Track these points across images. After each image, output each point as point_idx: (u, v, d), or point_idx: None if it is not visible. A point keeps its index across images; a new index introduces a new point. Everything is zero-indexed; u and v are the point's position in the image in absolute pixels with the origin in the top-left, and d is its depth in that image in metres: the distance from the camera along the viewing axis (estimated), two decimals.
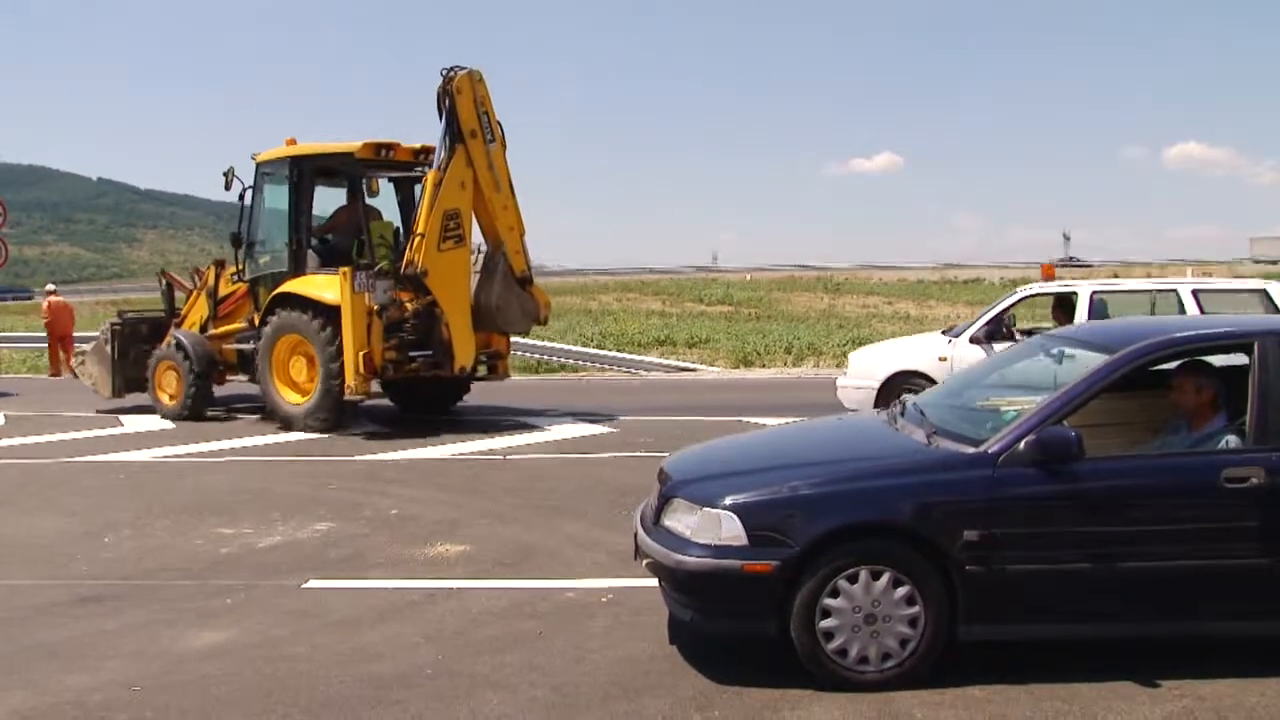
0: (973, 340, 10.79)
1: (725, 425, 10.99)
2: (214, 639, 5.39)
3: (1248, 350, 4.79)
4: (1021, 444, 4.56)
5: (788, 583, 4.51)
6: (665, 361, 21.49)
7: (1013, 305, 11.18)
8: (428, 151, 12.87)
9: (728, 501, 4.67)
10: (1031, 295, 11.64)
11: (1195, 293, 10.59)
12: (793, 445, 5.77)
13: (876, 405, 10.51)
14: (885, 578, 4.49)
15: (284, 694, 4.63)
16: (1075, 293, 10.77)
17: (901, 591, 4.50)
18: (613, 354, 21.86)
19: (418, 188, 13.16)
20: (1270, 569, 4.53)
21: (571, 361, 20.98)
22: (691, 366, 21.17)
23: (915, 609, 4.50)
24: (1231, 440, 4.76)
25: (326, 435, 12.24)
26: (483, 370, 13.47)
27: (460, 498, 8.73)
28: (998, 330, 10.77)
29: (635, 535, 5.13)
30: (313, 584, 6.35)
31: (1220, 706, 4.34)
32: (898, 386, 10.47)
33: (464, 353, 12.57)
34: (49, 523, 8.14)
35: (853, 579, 4.50)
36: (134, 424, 13.75)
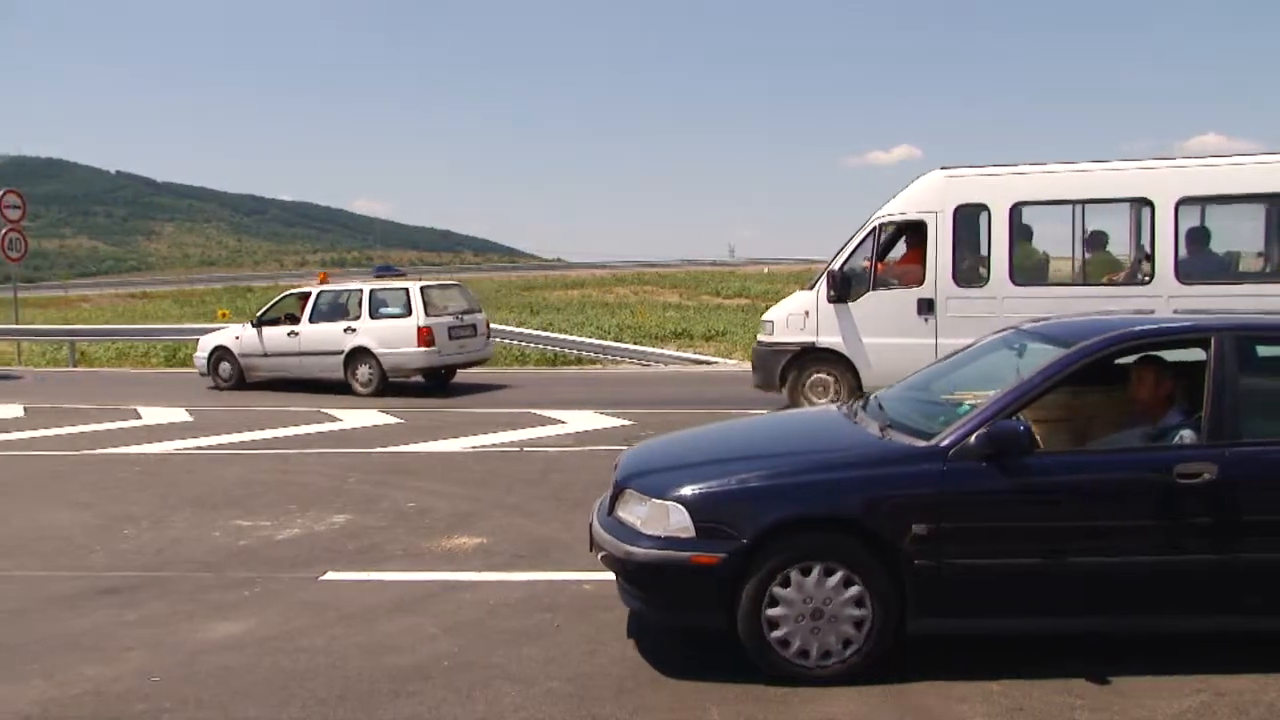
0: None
1: (741, 418, 10.94)
2: (232, 630, 5.41)
3: (1205, 345, 4.75)
4: (972, 438, 4.53)
5: (735, 575, 4.50)
6: (682, 354, 21.45)
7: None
8: None
9: (676, 493, 4.67)
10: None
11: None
12: (749, 438, 5.74)
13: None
14: (831, 572, 4.48)
15: (301, 685, 4.64)
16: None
17: (848, 585, 4.49)
18: (630, 346, 21.83)
19: None
20: (1222, 565, 4.50)
21: (588, 354, 20.98)
22: (709, 359, 21.12)
23: (862, 603, 4.49)
24: (1187, 436, 4.71)
25: (344, 429, 12.27)
26: None
27: (477, 490, 8.74)
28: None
29: (590, 527, 5.13)
30: (330, 576, 6.37)
31: (1240, 702, 4.30)
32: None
33: None
34: (68, 515, 8.19)
35: (800, 572, 4.49)
36: (151, 416, 13.82)
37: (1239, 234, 11.18)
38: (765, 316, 12.68)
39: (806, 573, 4.48)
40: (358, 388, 15.75)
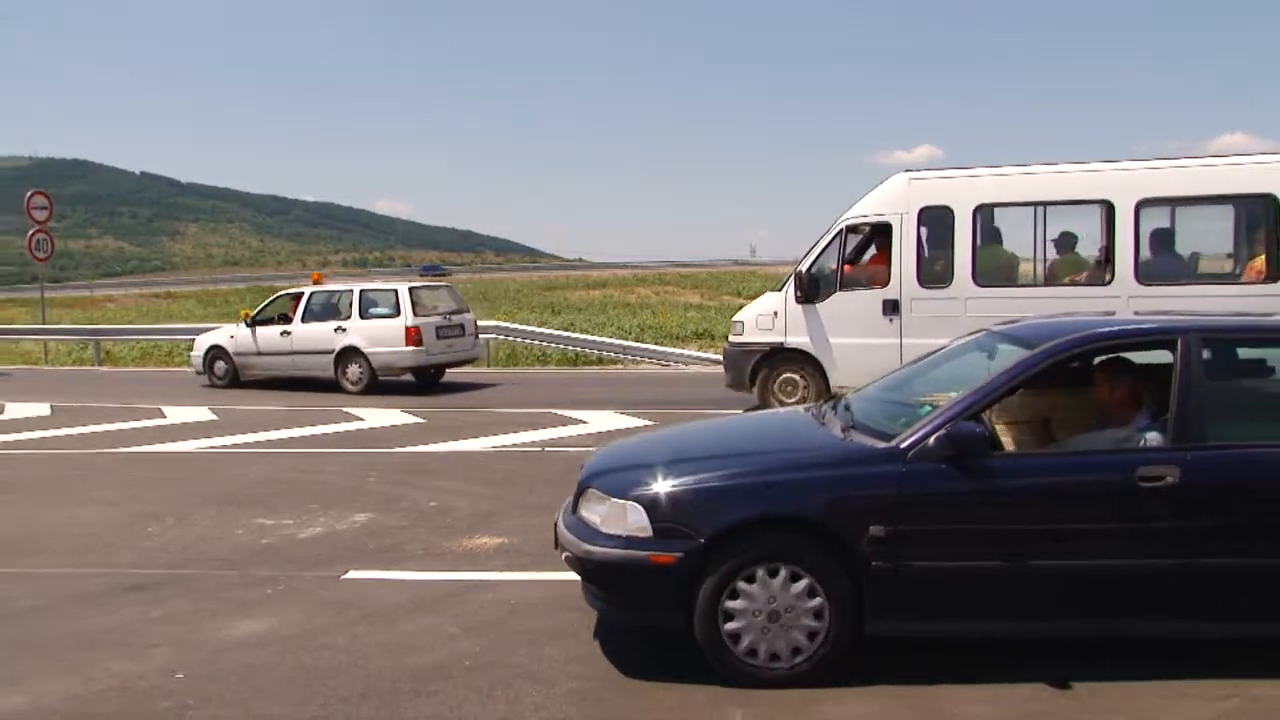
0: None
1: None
2: (255, 628, 5.43)
3: (1171, 347, 4.71)
4: (932, 439, 4.50)
5: (692, 575, 4.49)
6: (703, 355, 21.41)
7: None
8: None
9: (634, 493, 4.67)
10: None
11: None
12: (714, 439, 5.71)
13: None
14: (789, 572, 4.46)
15: (323, 684, 4.65)
16: None
17: (805, 586, 4.47)
18: (650, 347, 21.83)
19: None
20: (1184, 569, 4.44)
21: (609, 354, 20.99)
22: None
23: (820, 604, 4.47)
24: (1154, 438, 4.66)
25: (365, 428, 12.32)
26: None
27: (499, 490, 8.75)
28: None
29: (555, 526, 5.13)
30: (352, 575, 6.39)
31: (1274, 709, 4.26)
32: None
33: None
34: (94, 512, 8.25)
35: (759, 573, 4.47)
36: (175, 415, 13.91)
37: (1208, 235, 11.27)
38: (736, 317, 12.96)
39: (766, 574, 4.47)
40: (348, 386, 16.08)
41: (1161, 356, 4.82)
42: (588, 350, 21.14)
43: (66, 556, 6.97)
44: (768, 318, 12.27)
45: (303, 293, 17.04)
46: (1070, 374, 5.43)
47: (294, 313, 16.78)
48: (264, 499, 8.57)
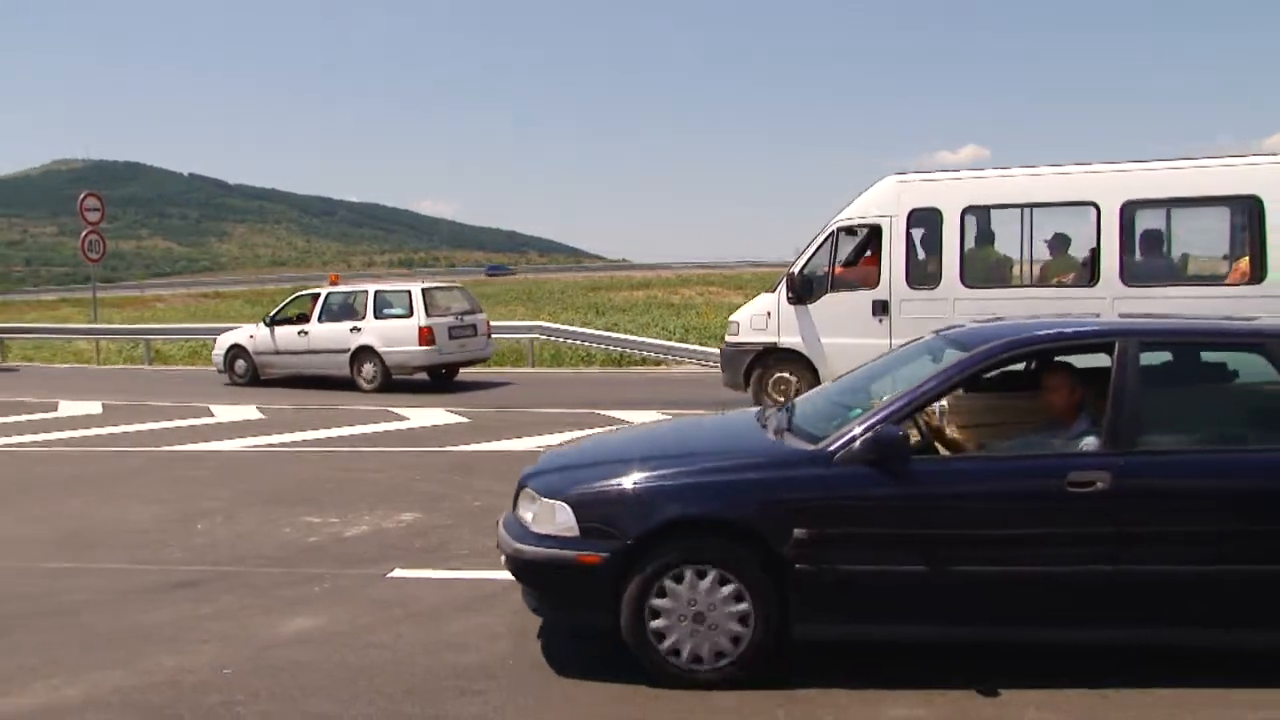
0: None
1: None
2: (302, 626, 5.50)
3: (1109, 351, 4.64)
4: (857, 443, 4.48)
5: (618, 575, 4.51)
6: None
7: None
8: None
9: (564, 493, 4.72)
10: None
11: None
12: (651, 441, 5.71)
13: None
14: (714, 574, 4.47)
15: (369, 681, 4.70)
16: None
17: (730, 589, 4.47)
18: (693, 347, 21.77)
19: None
20: (1115, 576, 4.37)
21: (654, 355, 20.98)
22: None
23: (744, 606, 4.47)
24: (1090, 443, 4.60)
25: (411, 427, 12.42)
26: None
27: None
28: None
29: (497, 525, 5.16)
30: (398, 573, 6.44)
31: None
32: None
33: None
34: (144, 509, 8.39)
35: (682, 575, 4.48)
36: (224, 414, 14.10)
37: (1194, 236, 11.17)
38: (731, 317, 13.16)
39: (691, 575, 4.49)
40: (362, 384, 16.44)
41: (1107, 361, 4.74)
42: (631, 351, 21.15)
43: (119, 552, 7.10)
44: (761, 318, 12.47)
45: (319, 293, 17.46)
46: (1025, 378, 5.39)
47: (311, 313, 17.19)
48: (311, 497, 8.67)
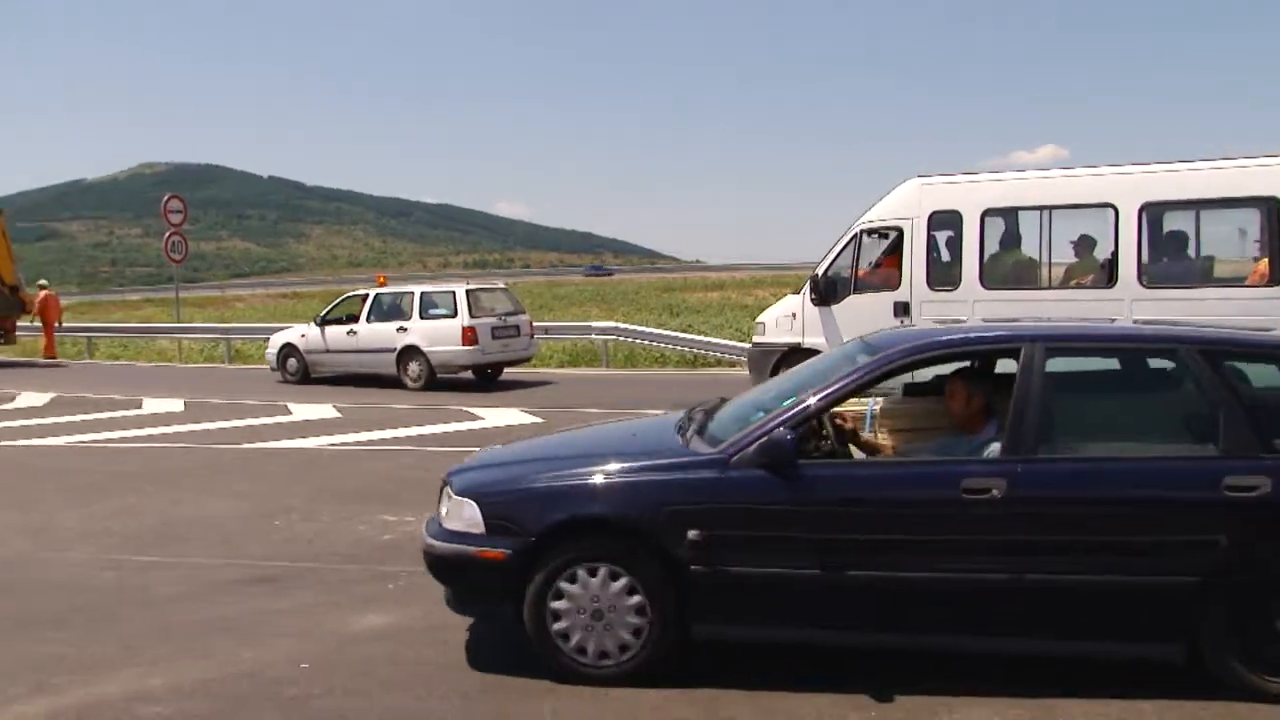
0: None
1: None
2: (377, 622, 5.57)
3: (1015, 356, 4.54)
4: (752, 447, 4.47)
5: (521, 571, 4.56)
6: None
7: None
8: None
9: (473, 490, 4.81)
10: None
11: None
12: (572, 442, 5.76)
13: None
14: (608, 571, 4.52)
15: (444, 678, 4.75)
16: None
17: (625, 586, 4.51)
18: None
19: None
20: (1012, 585, 4.27)
21: (728, 356, 20.91)
22: None
23: (640, 602, 4.50)
24: (994, 450, 4.49)
25: (485, 427, 12.53)
26: None
27: None
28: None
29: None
30: None
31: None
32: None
33: None
34: (224, 505, 8.57)
35: (583, 572, 4.53)
36: (301, 412, 14.33)
37: (1212, 238, 10.93)
38: (758, 318, 13.28)
39: (589, 573, 4.54)
40: (408, 382, 16.79)
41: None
42: (704, 351, 21.10)
43: (200, 547, 7.25)
44: (787, 319, 12.55)
45: (368, 294, 17.87)
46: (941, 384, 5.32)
47: (360, 313, 17.57)
48: (386, 495, 8.78)
